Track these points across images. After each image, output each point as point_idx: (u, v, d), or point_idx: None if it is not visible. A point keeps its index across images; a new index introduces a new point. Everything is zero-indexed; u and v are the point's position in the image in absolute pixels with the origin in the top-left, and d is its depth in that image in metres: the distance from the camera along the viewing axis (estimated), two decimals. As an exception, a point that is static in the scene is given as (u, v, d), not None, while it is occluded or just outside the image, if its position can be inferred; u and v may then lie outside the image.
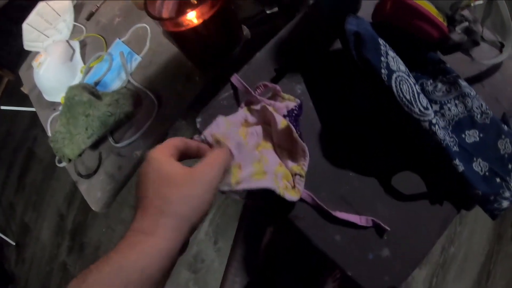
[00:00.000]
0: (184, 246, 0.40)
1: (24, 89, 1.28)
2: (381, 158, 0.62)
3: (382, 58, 0.54)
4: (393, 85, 0.52)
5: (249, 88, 0.65)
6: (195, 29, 0.65)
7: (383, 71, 0.53)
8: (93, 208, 0.88)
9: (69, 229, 2.41)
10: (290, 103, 0.62)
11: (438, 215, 0.58)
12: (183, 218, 0.38)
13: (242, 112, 0.61)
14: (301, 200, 0.59)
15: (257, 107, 0.60)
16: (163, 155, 0.41)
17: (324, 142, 0.64)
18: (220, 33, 0.71)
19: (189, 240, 0.41)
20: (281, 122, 0.55)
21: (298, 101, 0.62)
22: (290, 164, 0.58)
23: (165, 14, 0.70)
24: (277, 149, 0.59)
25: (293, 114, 0.59)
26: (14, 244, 2.60)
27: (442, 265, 1.59)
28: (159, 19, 0.64)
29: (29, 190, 2.67)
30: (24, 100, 1.22)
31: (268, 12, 0.98)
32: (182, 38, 0.69)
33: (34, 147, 2.75)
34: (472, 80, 0.65)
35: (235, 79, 0.71)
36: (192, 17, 0.64)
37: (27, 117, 2.74)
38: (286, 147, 0.59)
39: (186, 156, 0.48)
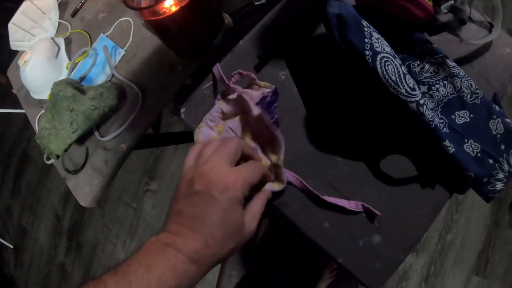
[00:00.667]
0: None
1: (13, 88, 1.27)
2: (368, 141, 0.61)
3: (366, 40, 0.53)
4: (378, 66, 0.51)
5: (224, 77, 0.63)
6: (172, 16, 0.64)
7: (367, 52, 0.52)
8: (81, 204, 0.88)
9: (65, 229, 2.42)
10: (266, 90, 0.60)
11: (430, 199, 0.57)
12: (214, 256, 0.41)
13: (218, 106, 0.61)
14: (288, 183, 0.58)
15: (234, 96, 0.59)
16: (238, 193, 0.43)
17: (310, 128, 0.63)
18: (199, 20, 0.70)
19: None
20: (255, 110, 0.55)
21: (273, 87, 0.60)
22: (270, 154, 0.57)
23: (144, 3, 0.70)
24: (257, 140, 0.58)
25: (266, 101, 0.57)
26: (12, 247, 2.61)
27: (439, 252, 1.60)
28: (136, 8, 0.64)
29: (25, 192, 2.67)
30: (17, 102, 1.22)
31: (256, 3, 0.98)
32: (161, 27, 0.68)
33: (27, 149, 2.74)
34: (461, 61, 0.63)
35: (215, 68, 0.71)
36: (169, 5, 0.63)
37: (20, 119, 2.73)
38: (264, 136, 0.58)
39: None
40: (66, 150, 0.83)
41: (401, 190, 0.58)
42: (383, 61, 0.51)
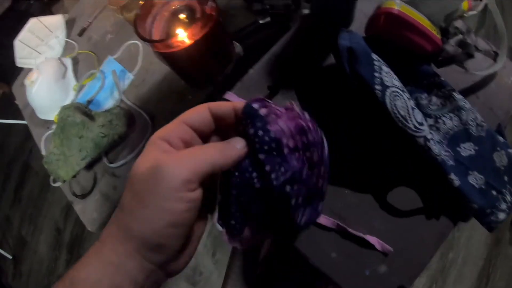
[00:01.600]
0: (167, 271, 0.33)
1: (18, 104, 1.27)
2: (376, 174, 0.61)
3: (376, 74, 0.53)
4: (387, 101, 0.51)
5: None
6: (186, 50, 0.64)
7: (376, 87, 0.52)
8: (89, 229, 0.87)
9: (66, 242, 2.39)
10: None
11: (434, 229, 0.58)
12: (128, 231, 0.29)
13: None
14: (317, 224, 0.58)
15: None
16: (150, 142, 0.32)
17: None
18: (212, 52, 0.70)
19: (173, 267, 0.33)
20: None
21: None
22: None
23: (156, 33, 0.70)
24: None
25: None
26: (11, 257, 2.58)
27: (441, 270, 1.59)
28: (149, 41, 0.64)
29: (26, 203, 2.65)
30: (19, 113, 1.21)
31: (260, 22, 0.98)
32: (174, 58, 0.69)
33: (29, 160, 2.73)
34: (466, 91, 0.64)
35: (229, 96, 0.71)
36: (183, 38, 0.63)
37: (22, 129, 2.72)
38: None
39: (222, 131, 0.37)
40: (74, 176, 0.83)
41: (407, 221, 0.58)
42: (392, 95, 0.52)
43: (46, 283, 2.40)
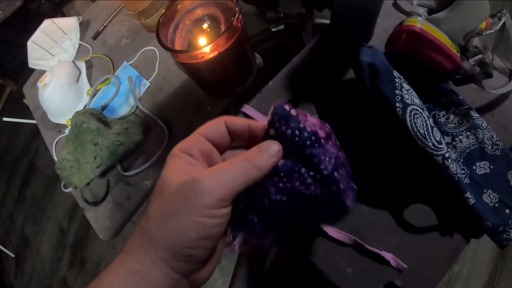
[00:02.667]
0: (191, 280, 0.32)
1: (27, 103, 1.26)
2: (393, 191, 0.62)
3: (397, 91, 0.53)
4: (408, 119, 0.52)
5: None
6: (210, 61, 0.63)
7: (397, 104, 0.52)
8: (101, 237, 0.86)
9: (70, 243, 2.39)
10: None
11: (448, 246, 0.58)
12: (156, 240, 0.30)
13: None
14: (324, 234, 0.59)
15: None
16: (173, 154, 0.33)
17: None
18: (235, 64, 0.68)
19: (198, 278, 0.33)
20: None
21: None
22: None
23: (178, 42, 0.68)
24: None
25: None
26: (13, 256, 2.57)
27: (446, 283, 1.57)
28: (172, 50, 0.62)
29: (30, 202, 2.65)
30: (27, 111, 1.20)
31: (273, 30, 0.97)
32: (196, 69, 0.67)
33: (35, 160, 2.73)
34: (481, 109, 0.65)
35: (247, 109, 0.70)
36: (207, 49, 0.61)
37: (29, 128, 2.72)
38: None
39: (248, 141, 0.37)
40: (88, 184, 0.82)
41: (422, 238, 0.59)
42: (412, 113, 0.52)
43: (48, 283, 2.40)
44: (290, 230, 0.40)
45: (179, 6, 0.68)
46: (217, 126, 0.35)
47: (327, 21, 0.82)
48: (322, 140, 0.36)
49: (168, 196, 0.30)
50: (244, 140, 0.37)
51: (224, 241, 0.36)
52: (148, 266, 0.29)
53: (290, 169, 0.35)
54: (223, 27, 0.65)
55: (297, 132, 0.35)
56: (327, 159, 0.36)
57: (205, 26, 0.68)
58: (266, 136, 0.36)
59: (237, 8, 0.61)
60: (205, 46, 0.60)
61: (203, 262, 0.32)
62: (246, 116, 0.70)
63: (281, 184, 0.35)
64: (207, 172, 0.31)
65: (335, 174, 0.36)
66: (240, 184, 0.31)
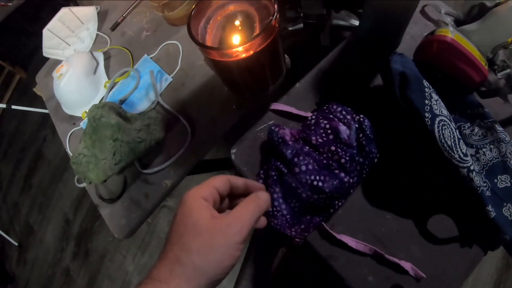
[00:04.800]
0: None
1: (38, 93, 1.23)
2: (418, 200, 0.62)
3: (426, 101, 0.53)
4: (436, 130, 0.52)
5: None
6: (244, 60, 0.60)
7: (426, 114, 0.52)
8: (116, 236, 0.83)
9: (75, 234, 2.38)
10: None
11: (467, 257, 0.59)
12: (200, 270, 0.37)
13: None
14: (341, 242, 0.61)
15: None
16: (196, 199, 0.41)
17: (364, 182, 0.65)
18: (268, 64, 0.66)
19: None
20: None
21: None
22: None
23: (209, 38, 0.65)
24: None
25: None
26: (16, 244, 2.57)
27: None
28: (206, 47, 0.59)
29: (36, 191, 2.64)
30: (35, 99, 1.18)
31: (290, 29, 0.95)
32: (227, 68, 0.64)
33: (42, 148, 2.71)
34: (504, 122, 0.65)
35: (276, 105, 0.71)
36: (242, 48, 0.58)
37: (37, 116, 2.70)
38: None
39: (233, 196, 0.48)
40: (105, 181, 0.79)
41: (442, 248, 0.60)
42: (440, 124, 0.52)
43: (50, 273, 2.40)
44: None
45: (211, 0, 0.65)
46: (223, 182, 0.45)
47: (345, 23, 0.83)
48: (289, 141, 0.61)
49: (207, 234, 0.38)
50: (239, 193, 0.49)
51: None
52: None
53: (271, 165, 0.62)
54: (257, 26, 0.62)
55: (274, 137, 0.62)
56: (288, 150, 0.59)
57: (237, 23, 0.65)
58: (263, 143, 0.70)
59: (275, 6, 0.58)
60: (241, 45, 0.57)
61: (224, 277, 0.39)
62: (275, 113, 0.72)
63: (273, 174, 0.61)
64: (231, 217, 0.41)
65: (295, 159, 0.58)
66: (253, 222, 0.42)
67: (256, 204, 0.44)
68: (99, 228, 2.28)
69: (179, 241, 0.38)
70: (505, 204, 0.56)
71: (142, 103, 0.93)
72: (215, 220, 0.39)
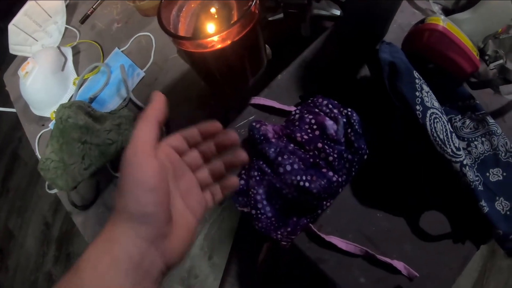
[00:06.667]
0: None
1: (10, 95, 1.16)
2: (409, 197, 0.60)
3: (417, 93, 0.51)
4: (428, 123, 0.50)
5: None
6: (220, 51, 0.54)
7: (417, 107, 0.50)
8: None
9: (55, 237, 2.30)
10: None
11: (459, 253, 0.58)
12: (119, 210, 0.32)
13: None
14: (330, 244, 0.58)
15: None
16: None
17: (353, 180, 0.62)
18: (248, 55, 0.60)
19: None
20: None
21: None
22: None
23: (182, 27, 0.59)
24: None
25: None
26: (-3, 250, 2.48)
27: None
28: (177, 37, 0.53)
29: (13, 195, 2.54)
30: (9, 98, 1.10)
31: (270, 19, 0.90)
32: (202, 59, 0.58)
33: (18, 150, 2.61)
34: (493, 114, 0.63)
35: (257, 100, 0.67)
36: (218, 37, 0.52)
37: (11, 117, 2.58)
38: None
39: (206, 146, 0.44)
40: (75, 187, 0.72)
41: (435, 245, 0.58)
42: (432, 117, 0.51)
43: (33, 279, 2.32)
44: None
45: (183, -14, 0.59)
46: (175, 137, 0.41)
47: (326, 12, 0.81)
48: (272, 139, 0.59)
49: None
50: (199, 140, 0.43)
51: (193, 220, 0.39)
52: (118, 233, 0.31)
53: (253, 165, 0.59)
54: (235, 13, 0.57)
55: (255, 134, 0.59)
56: (271, 149, 0.57)
57: (213, 10, 0.59)
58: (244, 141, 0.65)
59: (255, -8, 0.52)
60: (217, 34, 0.51)
61: (162, 223, 0.33)
62: (256, 107, 0.68)
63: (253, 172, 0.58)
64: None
65: (279, 158, 0.56)
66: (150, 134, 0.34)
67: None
68: (78, 230, 2.21)
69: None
70: (497, 198, 0.55)
71: (113, 100, 0.86)
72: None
